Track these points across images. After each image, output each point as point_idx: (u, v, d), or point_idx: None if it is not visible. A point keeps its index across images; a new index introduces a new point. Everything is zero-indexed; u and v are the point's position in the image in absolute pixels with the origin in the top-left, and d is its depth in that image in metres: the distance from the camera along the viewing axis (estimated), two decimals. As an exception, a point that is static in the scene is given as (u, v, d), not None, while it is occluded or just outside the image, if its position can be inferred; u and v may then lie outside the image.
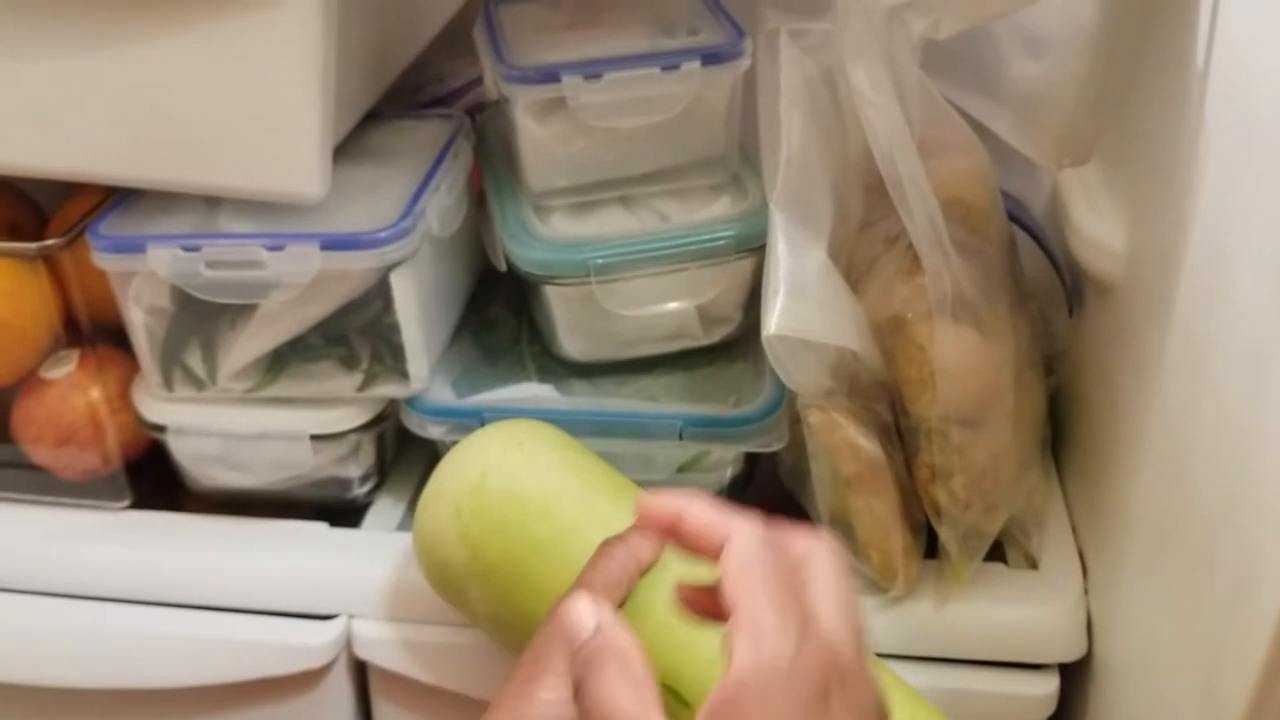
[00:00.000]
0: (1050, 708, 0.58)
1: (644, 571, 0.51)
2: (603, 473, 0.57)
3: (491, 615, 0.55)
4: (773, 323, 0.53)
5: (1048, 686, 0.58)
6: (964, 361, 0.56)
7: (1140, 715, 0.54)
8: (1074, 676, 0.59)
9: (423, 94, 0.77)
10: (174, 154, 0.58)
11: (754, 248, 0.61)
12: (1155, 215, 0.54)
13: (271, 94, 0.56)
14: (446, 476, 0.56)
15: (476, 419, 0.62)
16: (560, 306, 0.64)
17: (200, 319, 0.62)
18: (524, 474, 0.55)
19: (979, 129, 0.65)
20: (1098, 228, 0.60)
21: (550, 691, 0.45)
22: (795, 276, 0.54)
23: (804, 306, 0.53)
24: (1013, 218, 0.74)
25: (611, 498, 0.55)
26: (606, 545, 0.51)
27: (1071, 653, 0.59)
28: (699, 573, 0.53)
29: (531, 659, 0.47)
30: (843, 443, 0.58)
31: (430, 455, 0.67)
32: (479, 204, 0.71)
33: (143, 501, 0.68)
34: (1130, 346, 0.56)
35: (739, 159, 0.66)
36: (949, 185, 0.61)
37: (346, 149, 0.64)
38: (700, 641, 0.51)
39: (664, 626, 0.51)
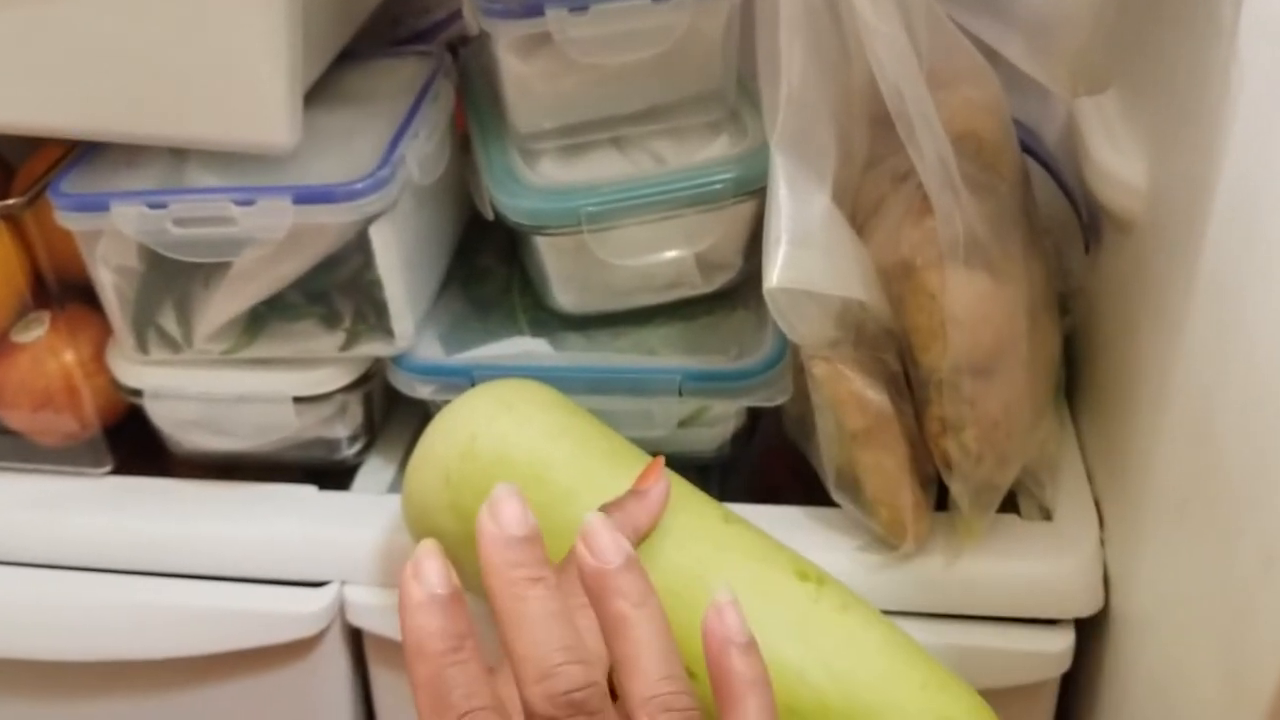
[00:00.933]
0: (1065, 664, 0.57)
1: (641, 539, 0.49)
2: (597, 434, 0.54)
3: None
4: (775, 275, 0.50)
5: (1063, 642, 0.56)
6: (976, 309, 0.53)
7: (1161, 673, 0.52)
8: (1090, 632, 0.57)
9: (402, 27, 0.73)
10: (134, 104, 0.55)
11: (754, 190, 0.58)
12: (1180, 152, 0.50)
13: (235, 37, 0.52)
14: (434, 442, 0.53)
15: (466, 377, 0.59)
16: (551, 257, 0.60)
17: (172, 278, 0.59)
18: (514, 438, 0.52)
19: (989, 54, 0.61)
20: (1116, 162, 0.56)
21: None
22: (798, 224, 0.51)
23: (807, 256, 0.50)
24: (1025, 148, 0.70)
25: (607, 460, 0.53)
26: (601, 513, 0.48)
27: (1087, 607, 0.56)
28: (700, 538, 0.51)
29: None
30: (849, 395, 0.55)
31: (422, 412, 0.64)
32: (463, 146, 0.67)
33: (125, 466, 0.66)
34: (1151, 292, 0.53)
35: (737, 93, 0.62)
36: (960, 118, 0.57)
37: (319, 93, 0.61)
38: (703, 610, 0.49)
39: (664, 595, 0.48)
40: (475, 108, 0.66)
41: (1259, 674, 0.40)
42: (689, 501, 0.53)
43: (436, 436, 0.53)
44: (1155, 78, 0.55)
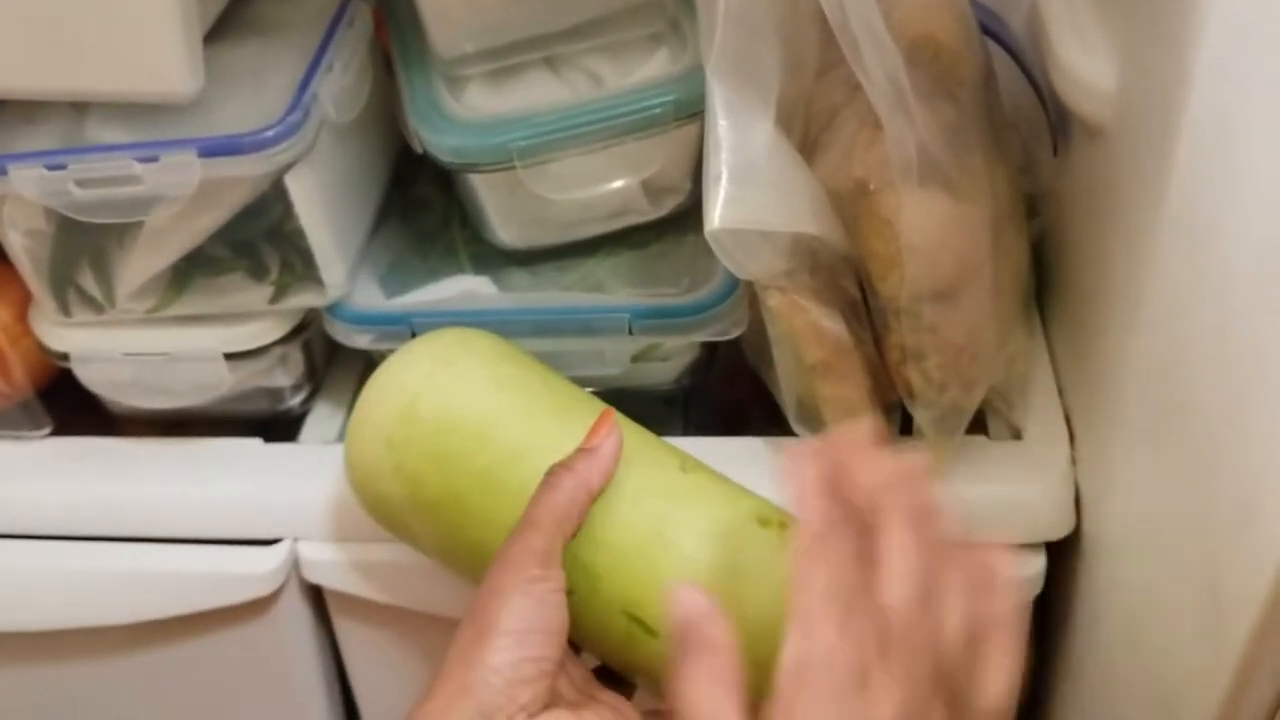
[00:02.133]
0: (1037, 587, 0.55)
1: (595, 499, 0.47)
2: (544, 386, 0.52)
3: (439, 549, 0.51)
4: (716, 216, 0.46)
5: (1034, 566, 0.55)
6: (935, 234, 0.50)
7: (1135, 598, 0.51)
8: (1062, 555, 0.56)
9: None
10: (23, 57, 0.50)
11: (699, 111, 0.54)
12: (1151, 53, 0.47)
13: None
14: (372, 404, 0.51)
15: (405, 325, 0.57)
16: (486, 193, 0.57)
17: (85, 238, 0.55)
18: (457, 396, 0.50)
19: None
20: (1084, 63, 0.52)
21: (499, 654, 0.42)
22: (739, 157, 0.47)
23: (751, 192, 0.47)
24: (989, 32, 0.66)
25: (554, 415, 0.50)
26: (553, 475, 0.46)
27: (1058, 530, 0.55)
28: (656, 491, 0.49)
29: (476, 618, 0.43)
30: (807, 327, 0.52)
31: (367, 355, 0.62)
32: (388, 67, 0.63)
33: (66, 424, 0.63)
34: (1121, 205, 0.50)
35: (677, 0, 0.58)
36: (916, 21, 0.53)
37: (226, 24, 0.56)
38: (662, 567, 0.47)
39: (622, 553, 0.48)
40: (397, 27, 0.61)
41: (1235, 621, 0.39)
42: (644, 451, 0.50)
43: (374, 398, 0.51)
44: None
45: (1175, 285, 0.44)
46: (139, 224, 0.54)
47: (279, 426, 0.63)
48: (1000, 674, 0.37)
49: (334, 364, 0.66)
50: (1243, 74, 0.38)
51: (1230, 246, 0.40)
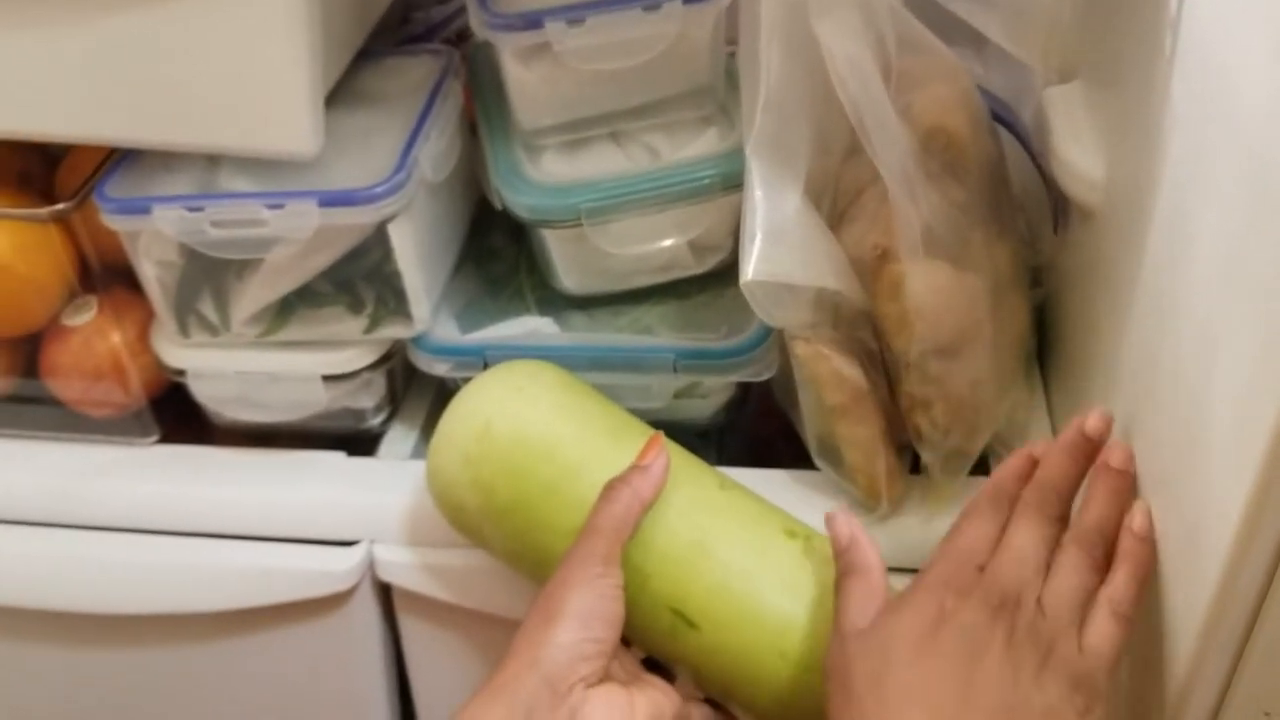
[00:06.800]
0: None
1: (647, 510, 0.54)
2: (601, 411, 0.60)
3: (508, 552, 0.59)
4: (750, 269, 0.55)
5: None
6: (937, 300, 0.58)
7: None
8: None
9: (412, 23, 0.77)
10: (168, 116, 0.60)
11: (741, 183, 0.62)
12: (1130, 152, 0.55)
13: (260, 57, 0.57)
14: (453, 425, 0.59)
15: (479, 356, 0.65)
16: (555, 245, 0.65)
17: (209, 270, 0.64)
18: (526, 418, 0.58)
19: (975, 36, 0.65)
20: (1078, 157, 0.60)
21: (565, 633, 0.49)
22: (771, 221, 0.55)
23: (780, 251, 0.55)
24: (1003, 122, 0.75)
25: (611, 437, 0.58)
26: (611, 488, 0.54)
27: (1048, 562, 0.62)
28: (699, 505, 0.57)
29: (543, 606, 0.51)
30: (828, 373, 0.60)
31: (439, 384, 0.70)
32: (473, 131, 0.72)
33: (170, 434, 0.72)
34: (1107, 280, 0.58)
35: (726, 87, 0.67)
36: (931, 114, 0.61)
37: (338, 93, 0.65)
38: (703, 569, 0.55)
39: (669, 557, 0.55)
40: (483, 101, 0.70)
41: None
42: (688, 471, 0.58)
43: (454, 419, 0.59)
44: (1113, 75, 0.59)
45: (1143, 351, 0.52)
46: (257, 261, 0.63)
47: (359, 444, 0.71)
48: (1100, 630, 0.46)
49: (410, 391, 0.74)
50: (1196, 174, 0.46)
51: (1180, 328, 0.47)
